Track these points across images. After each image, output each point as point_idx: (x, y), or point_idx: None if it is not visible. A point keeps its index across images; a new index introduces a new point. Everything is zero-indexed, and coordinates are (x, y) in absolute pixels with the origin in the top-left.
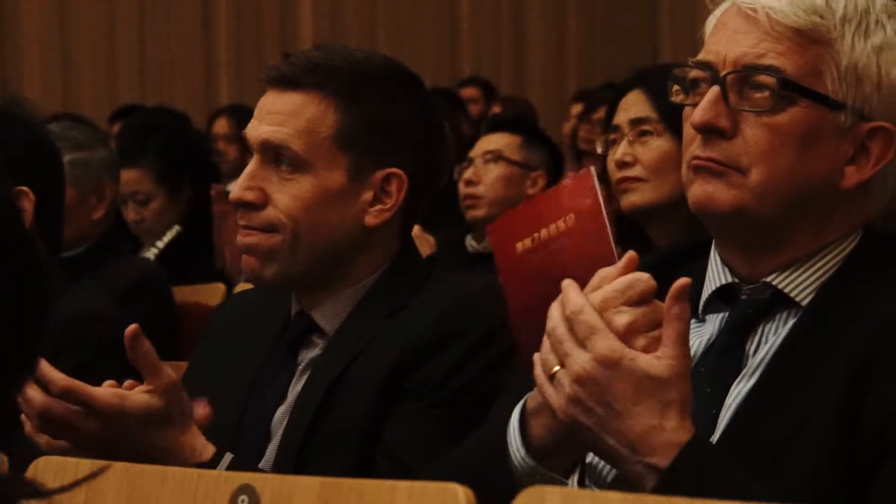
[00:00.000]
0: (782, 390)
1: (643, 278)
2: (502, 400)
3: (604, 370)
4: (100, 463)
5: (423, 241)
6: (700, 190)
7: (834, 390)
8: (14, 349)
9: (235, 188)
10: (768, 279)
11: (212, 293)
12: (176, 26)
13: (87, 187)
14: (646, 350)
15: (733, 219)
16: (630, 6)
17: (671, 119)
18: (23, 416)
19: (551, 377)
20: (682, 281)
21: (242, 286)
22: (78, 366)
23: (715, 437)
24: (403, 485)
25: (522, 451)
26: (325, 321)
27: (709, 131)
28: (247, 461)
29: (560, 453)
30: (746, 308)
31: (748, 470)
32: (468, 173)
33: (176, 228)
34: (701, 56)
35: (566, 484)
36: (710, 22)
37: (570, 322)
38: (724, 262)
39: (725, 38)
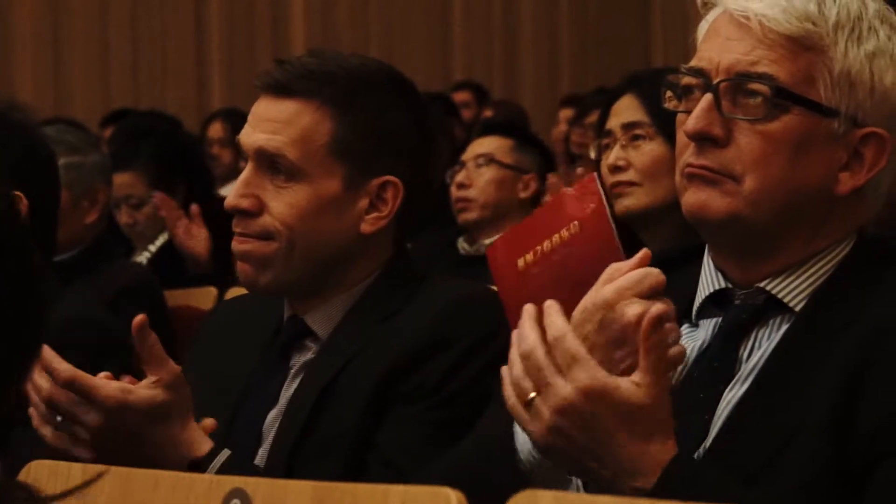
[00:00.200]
0: (775, 396)
1: (654, 272)
2: (492, 408)
3: (586, 401)
4: (92, 467)
5: None
6: (694, 198)
7: (827, 396)
8: (11, 351)
9: (230, 195)
10: (762, 284)
11: (204, 297)
12: (168, 29)
13: (81, 191)
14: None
15: (727, 226)
16: (622, 11)
17: (663, 123)
18: (31, 410)
19: (527, 403)
20: (657, 310)
21: (236, 290)
22: None
23: (707, 443)
24: (396, 489)
25: (529, 445)
26: (318, 325)
27: (702, 139)
28: (238, 465)
29: None
30: (740, 313)
31: (740, 476)
32: (460, 176)
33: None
34: (693, 63)
35: (570, 480)
36: (703, 27)
37: (551, 347)
38: (718, 268)
39: (718, 45)
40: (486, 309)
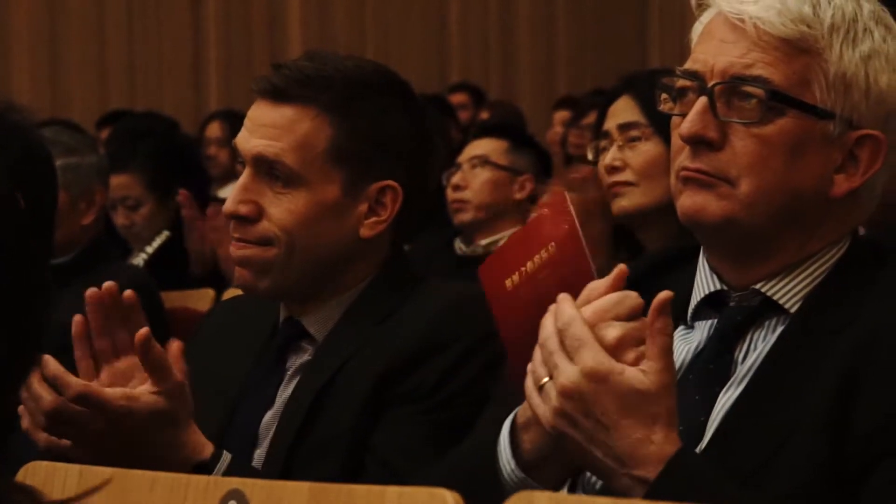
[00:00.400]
0: (771, 397)
1: (632, 295)
2: (489, 412)
3: (590, 384)
4: (89, 468)
5: None
6: (689, 201)
7: (823, 397)
8: (12, 355)
9: (229, 201)
10: (757, 286)
11: (201, 298)
12: (165, 30)
13: (78, 192)
14: (634, 363)
15: (723, 229)
16: (619, 12)
17: (660, 123)
18: (21, 409)
19: (540, 388)
20: (664, 295)
21: (232, 291)
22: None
23: (703, 444)
24: (393, 490)
25: (512, 464)
26: (314, 327)
27: (697, 142)
28: (241, 468)
29: (550, 467)
30: (735, 315)
31: (736, 477)
32: (456, 178)
33: (165, 233)
34: (688, 65)
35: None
36: (697, 29)
37: (560, 334)
38: (713, 270)
39: (712, 48)
40: (483, 311)
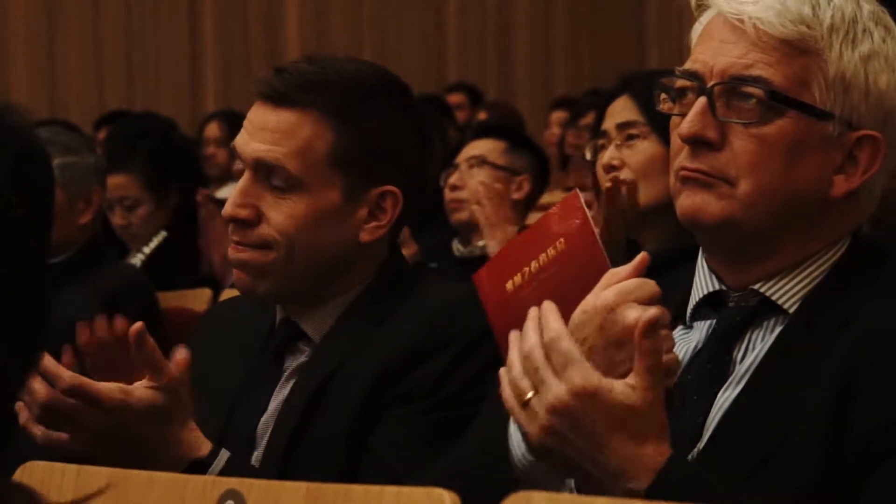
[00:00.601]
0: (769, 398)
1: (651, 283)
2: (487, 410)
3: (579, 402)
4: (86, 468)
5: (410, 245)
6: (689, 201)
7: (822, 398)
8: (12, 357)
9: (228, 204)
10: (756, 287)
11: (198, 298)
12: (162, 30)
13: (76, 192)
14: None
15: (722, 230)
16: (617, 12)
17: (658, 122)
18: (19, 405)
19: (524, 403)
20: (652, 314)
21: (229, 292)
22: None
23: (701, 445)
24: (390, 490)
25: (523, 448)
26: (311, 328)
27: (696, 143)
28: (238, 466)
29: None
30: (734, 315)
31: (734, 477)
32: (453, 178)
33: (163, 234)
34: (687, 65)
35: (563, 482)
36: (696, 29)
37: (547, 349)
38: (712, 270)
39: (712, 48)
40: (479, 312)
